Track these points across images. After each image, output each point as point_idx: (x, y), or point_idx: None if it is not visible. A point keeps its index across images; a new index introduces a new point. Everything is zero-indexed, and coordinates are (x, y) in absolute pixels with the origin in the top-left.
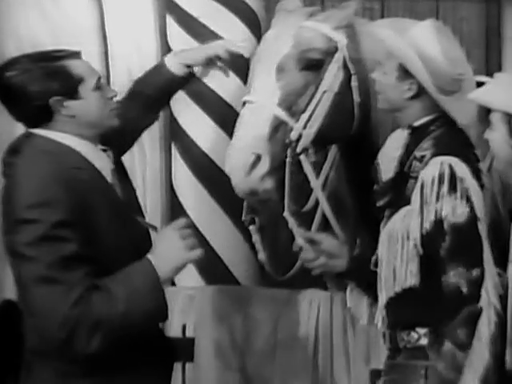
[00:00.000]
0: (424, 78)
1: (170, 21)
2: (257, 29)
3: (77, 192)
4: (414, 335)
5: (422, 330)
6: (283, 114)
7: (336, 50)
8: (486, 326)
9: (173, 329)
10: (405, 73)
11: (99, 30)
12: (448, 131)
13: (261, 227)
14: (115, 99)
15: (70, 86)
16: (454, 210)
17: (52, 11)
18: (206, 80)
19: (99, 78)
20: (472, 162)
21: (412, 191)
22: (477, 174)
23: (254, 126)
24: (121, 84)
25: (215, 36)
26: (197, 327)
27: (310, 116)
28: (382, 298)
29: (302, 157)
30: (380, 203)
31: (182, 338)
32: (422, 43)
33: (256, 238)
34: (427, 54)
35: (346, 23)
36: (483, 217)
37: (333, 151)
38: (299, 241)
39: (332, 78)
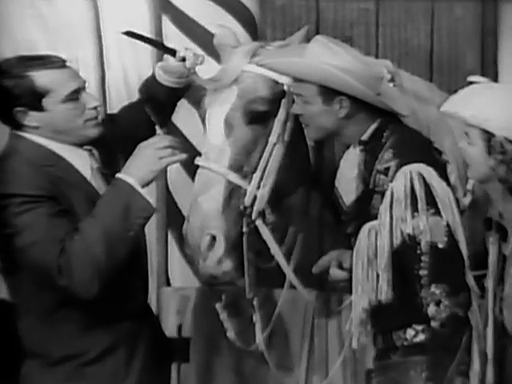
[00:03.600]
0: (357, 89)
1: (166, 21)
2: (253, 29)
3: (47, 184)
4: (411, 332)
5: (418, 327)
6: (235, 177)
7: (284, 93)
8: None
9: (168, 329)
10: (329, 94)
11: (94, 30)
12: (403, 137)
13: (227, 305)
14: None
15: (32, 99)
16: (431, 228)
17: (47, 12)
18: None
19: (76, 89)
20: (439, 166)
21: (378, 206)
22: (446, 178)
23: (207, 198)
24: (116, 84)
25: (211, 36)
26: (192, 328)
27: (263, 174)
28: (356, 315)
29: (258, 222)
30: (350, 230)
31: (178, 339)
32: (332, 59)
33: (224, 316)
34: (343, 67)
35: None
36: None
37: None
38: None
39: (281, 127)
